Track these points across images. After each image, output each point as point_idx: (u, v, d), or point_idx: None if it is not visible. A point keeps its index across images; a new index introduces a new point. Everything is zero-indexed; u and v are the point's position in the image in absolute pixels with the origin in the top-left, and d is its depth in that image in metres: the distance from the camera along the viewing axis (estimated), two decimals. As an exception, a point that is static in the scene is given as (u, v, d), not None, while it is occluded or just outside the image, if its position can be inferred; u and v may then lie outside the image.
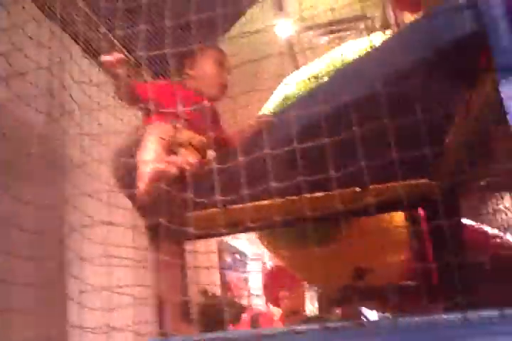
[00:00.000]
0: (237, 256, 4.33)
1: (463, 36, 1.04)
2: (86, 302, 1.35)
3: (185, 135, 1.43)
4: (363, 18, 3.17)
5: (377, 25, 3.11)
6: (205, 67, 1.64)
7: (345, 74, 1.36)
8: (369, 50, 1.52)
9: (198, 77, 1.60)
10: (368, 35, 2.78)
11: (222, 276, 4.17)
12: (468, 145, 1.44)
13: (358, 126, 1.13)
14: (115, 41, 1.67)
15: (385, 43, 1.31)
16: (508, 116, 0.93)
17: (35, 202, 1.41)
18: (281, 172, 1.25)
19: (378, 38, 2.53)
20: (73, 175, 1.47)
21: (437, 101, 1.18)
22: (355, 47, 2.44)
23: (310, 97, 1.45)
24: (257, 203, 1.75)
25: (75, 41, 1.62)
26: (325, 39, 3.28)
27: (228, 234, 1.99)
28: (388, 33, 2.56)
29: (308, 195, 1.90)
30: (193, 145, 1.43)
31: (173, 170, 1.32)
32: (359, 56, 1.64)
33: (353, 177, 1.23)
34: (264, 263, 3.94)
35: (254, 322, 4.16)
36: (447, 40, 1.06)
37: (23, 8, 1.51)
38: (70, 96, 1.50)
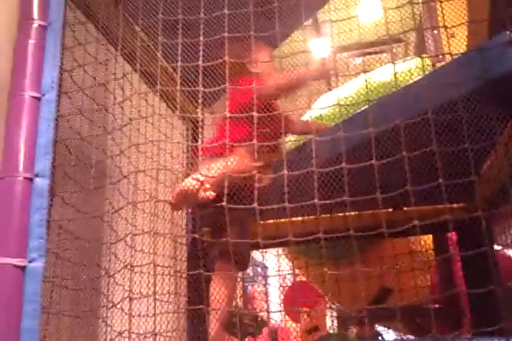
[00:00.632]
0: (259, 269, 4.34)
1: (510, 70, 1.08)
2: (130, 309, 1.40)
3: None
4: (398, 40, 3.20)
5: (412, 48, 3.15)
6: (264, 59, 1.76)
7: (396, 98, 1.41)
8: (420, 76, 1.56)
9: (261, 70, 1.67)
10: (403, 58, 2.82)
11: (243, 289, 4.19)
12: (506, 173, 1.46)
13: (404, 149, 1.17)
14: (162, 60, 1.75)
15: (435, 72, 1.35)
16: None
17: (86, 210, 1.48)
18: (319, 190, 1.29)
19: (413, 62, 2.57)
20: (121, 185, 1.54)
21: (481, 130, 1.21)
22: (388, 70, 2.49)
23: (359, 118, 1.49)
24: (294, 219, 1.79)
25: (128, 60, 1.71)
26: (359, 60, 3.32)
27: (265, 247, 2.03)
28: (424, 56, 2.59)
29: (341, 214, 1.94)
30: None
31: (202, 195, 1.41)
32: (412, 82, 1.68)
33: (387, 198, 1.26)
34: (285, 278, 3.95)
35: (273, 336, 4.15)
36: (495, 73, 1.10)
37: (85, 28, 1.61)
38: (121, 109, 1.58)
